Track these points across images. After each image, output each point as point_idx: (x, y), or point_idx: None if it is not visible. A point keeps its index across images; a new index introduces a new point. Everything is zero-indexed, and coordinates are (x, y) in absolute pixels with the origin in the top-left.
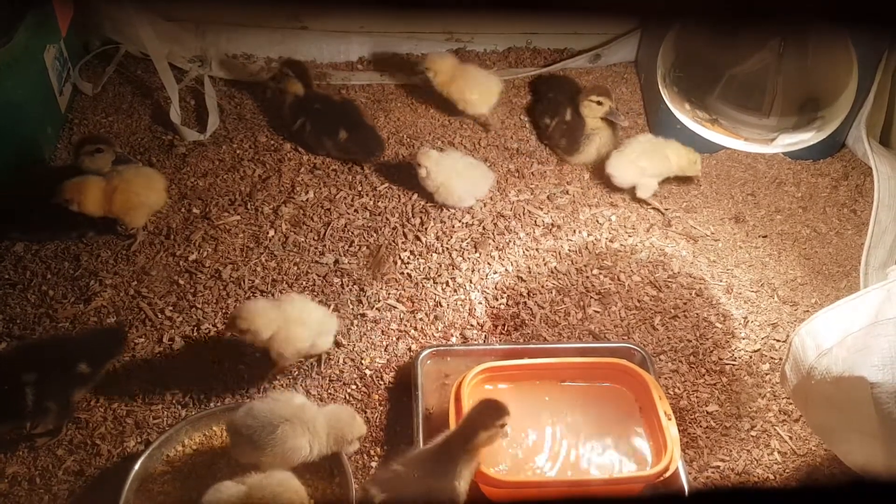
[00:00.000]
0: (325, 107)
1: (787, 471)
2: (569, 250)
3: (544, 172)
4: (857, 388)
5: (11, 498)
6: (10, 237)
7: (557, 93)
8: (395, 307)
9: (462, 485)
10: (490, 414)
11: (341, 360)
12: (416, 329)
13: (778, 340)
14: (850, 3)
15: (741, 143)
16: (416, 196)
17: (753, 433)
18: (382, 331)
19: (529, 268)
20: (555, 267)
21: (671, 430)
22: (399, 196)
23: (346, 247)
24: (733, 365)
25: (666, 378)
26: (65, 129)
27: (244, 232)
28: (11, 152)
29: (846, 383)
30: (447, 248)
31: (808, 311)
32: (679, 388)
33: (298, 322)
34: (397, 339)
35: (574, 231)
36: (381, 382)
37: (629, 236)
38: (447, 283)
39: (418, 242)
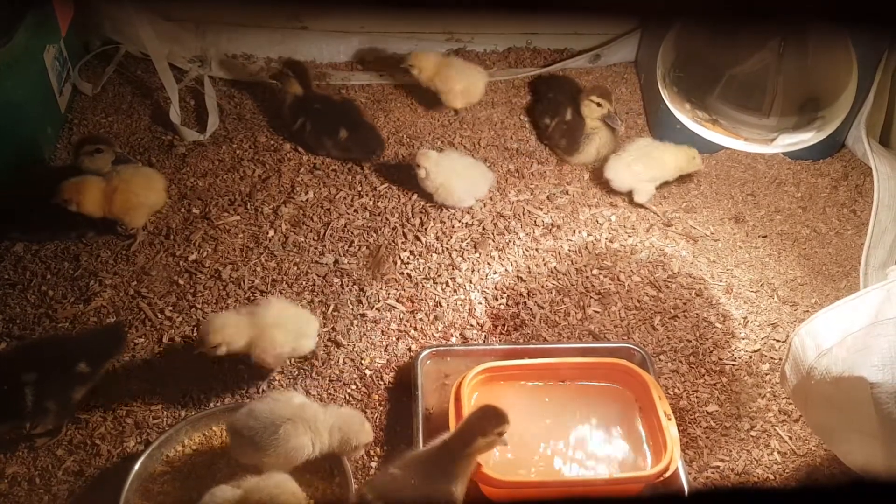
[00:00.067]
0: (325, 107)
1: (786, 471)
2: (569, 250)
3: (544, 172)
4: (857, 388)
5: (11, 498)
6: (10, 237)
7: (557, 93)
8: (394, 307)
9: (459, 489)
10: (489, 421)
11: (341, 361)
12: (415, 329)
13: (778, 340)
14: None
15: (741, 144)
16: (415, 196)
17: (753, 433)
18: (382, 331)
19: (529, 268)
20: (555, 267)
21: (671, 430)
22: (399, 196)
23: (346, 247)
24: (733, 365)
25: (666, 378)
26: (64, 130)
27: (244, 232)
28: (11, 152)
29: (846, 383)
30: (447, 249)
31: (807, 311)
32: (679, 389)
33: (275, 326)
34: (397, 339)
35: (574, 231)
36: (381, 382)
37: (629, 236)
38: (447, 284)
39: (418, 242)
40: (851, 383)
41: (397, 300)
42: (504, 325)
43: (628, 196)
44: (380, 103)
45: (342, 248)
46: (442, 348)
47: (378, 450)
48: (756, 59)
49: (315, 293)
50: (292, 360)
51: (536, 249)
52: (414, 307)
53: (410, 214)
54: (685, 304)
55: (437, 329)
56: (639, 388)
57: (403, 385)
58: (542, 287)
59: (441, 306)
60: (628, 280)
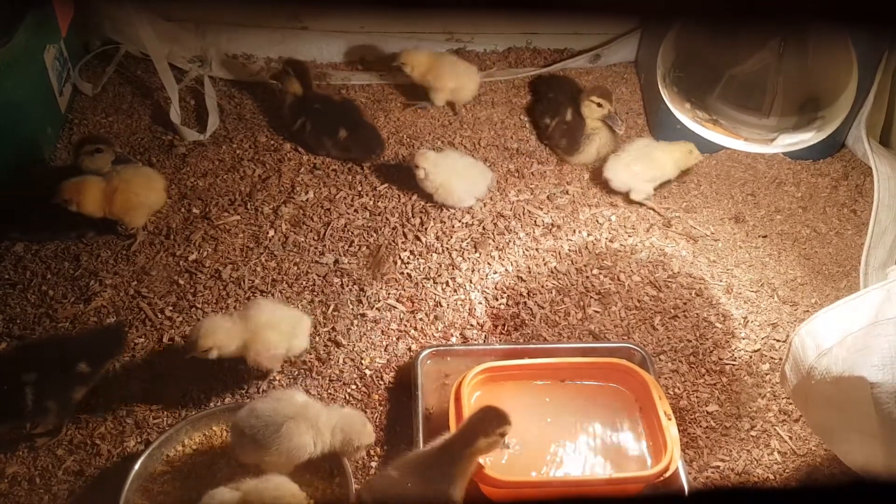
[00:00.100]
0: (326, 107)
1: (787, 471)
2: (569, 250)
3: (544, 172)
4: (857, 388)
5: (11, 498)
6: (10, 237)
7: (557, 93)
8: (395, 307)
9: (458, 491)
10: (491, 421)
11: (341, 360)
12: (416, 329)
13: (778, 340)
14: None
15: (741, 143)
16: (415, 196)
17: (753, 433)
18: (382, 331)
19: (529, 268)
20: (555, 267)
21: (671, 430)
22: (399, 196)
23: (346, 247)
24: (733, 365)
25: (666, 378)
26: (65, 130)
27: (244, 232)
28: (11, 152)
29: (846, 383)
30: (447, 248)
31: (808, 311)
32: (679, 388)
33: (268, 327)
34: (397, 338)
35: (574, 231)
36: (381, 382)
37: (629, 236)
38: (447, 283)
39: (418, 242)
40: (851, 383)
41: (397, 300)
42: (504, 324)
43: (627, 196)
44: (380, 103)
45: (342, 247)
46: (442, 348)
47: (378, 450)
48: (756, 59)
49: (315, 293)
50: (292, 360)
51: (536, 249)
52: (414, 307)
53: (410, 214)
54: (685, 303)
55: (437, 329)
56: (639, 387)
57: (403, 385)
58: (543, 287)
59: (441, 306)
60: (628, 280)
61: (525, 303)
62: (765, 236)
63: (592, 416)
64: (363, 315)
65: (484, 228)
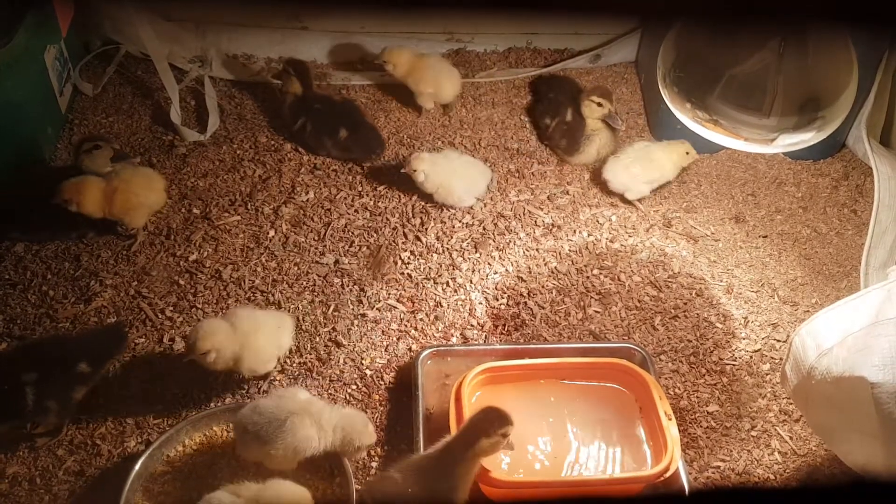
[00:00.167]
0: (326, 107)
1: (787, 471)
2: (569, 250)
3: (544, 173)
4: (858, 388)
5: (12, 498)
6: (11, 237)
7: (558, 93)
8: (395, 307)
9: (461, 493)
10: (493, 422)
11: (341, 360)
12: (416, 329)
13: (778, 340)
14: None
15: (741, 144)
16: (416, 196)
17: (754, 433)
18: (383, 331)
19: (530, 268)
20: (555, 267)
21: (671, 430)
22: (399, 196)
23: (347, 247)
24: (734, 365)
25: (666, 378)
26: (65, 130)
27: (244, 232)
28: (12, 152)
29: (846, 383)
30: (447, 249)
31: (808, 311)
32: (679, 389)
33: (255, 332)
34: (398, 339)
35: (574, 231)
36: (382, 382)
37: (629, 236)
38: (447, 284)
39: (418, 243)
40: (852, 383)
41: (398, 300)
42: (504, 325)
43: (624, 196)
44: (380, 103)
45: (343, 248)
46: (442, 348)
47: (378, 450)
48: (756, 59)
49: (315, 293)
50: (292, 360)
51: (537, 249)
52: (414, 307)
53: (411, 214)
54: (686, 304)
55: (437, 329)
56: (639, 388)
57: (404, 385)
58: (543, 287)
59: (441, 306)
60: (629, 280)
61: (525, 303)
62: (765, 236)
63: (593, 417)
64: (363, 315)
65: (484, 229)
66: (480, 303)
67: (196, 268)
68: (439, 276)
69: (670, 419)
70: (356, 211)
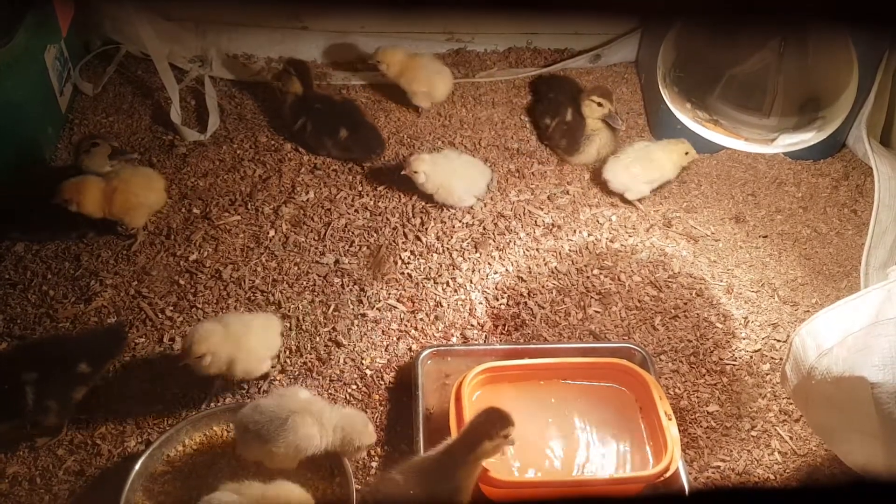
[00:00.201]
0: (326, 107)
1: (787, 471)
2: (569, 250)
3: (545, 172)
4: (858, 388)
5: (12, 498)
6: (11, 237)
7: (558, 93)
8: (395, 307)
9: (465, 495)
10: (494, 423)
11: (342, 360)
12: (416, 329)
13: (778, 340)
14: (850, 2)
15: (741, 144)
16: (416, 196)
17: (754, 433)
18: (383, 331)
19: (530, 268)
20: (555, 267)
21: (671, 430)
22: (399, 196)
23: (347, 247)
24: (734, 365)
25: (666, 378)
26: (65, 130)
27: (244, 232)
28: (12, 152)
29: (847, 383)
30: (447, 249)
31: (808, 311)
32: (679, 388)
33: (247, 335)
34: (398, 339)
35: (574, 231)
36: (382, 382)
37: (630, 236)
38: (448, 284)
39: (419, 242)
40: (852, 383)
41: (398, 300)
42: (505, 324)
43: (624, 196)
44: (380, 103)
45: (343, 247)
46: (442, 348)
47: (378, 450)
48: (756, 58)
49: (316, 293)
50: (292, 360)
51: (537, 249)
52: (414, 307)
53: (411, 214)
54: (686, 304)
55: (437, 329)
56: (639, 388)
57: (404, 385)
58: (543, 287)
59: (442, 306)
60: (629, 280)
61: (525, 303)
62: (765, 236)
63: (593, 417)
64: (364, 315)
65: (484, 228)
66: (480, 303)
67: (196, 268)
68: (439, 275)
69: (670, 419)
70: (356, 211)
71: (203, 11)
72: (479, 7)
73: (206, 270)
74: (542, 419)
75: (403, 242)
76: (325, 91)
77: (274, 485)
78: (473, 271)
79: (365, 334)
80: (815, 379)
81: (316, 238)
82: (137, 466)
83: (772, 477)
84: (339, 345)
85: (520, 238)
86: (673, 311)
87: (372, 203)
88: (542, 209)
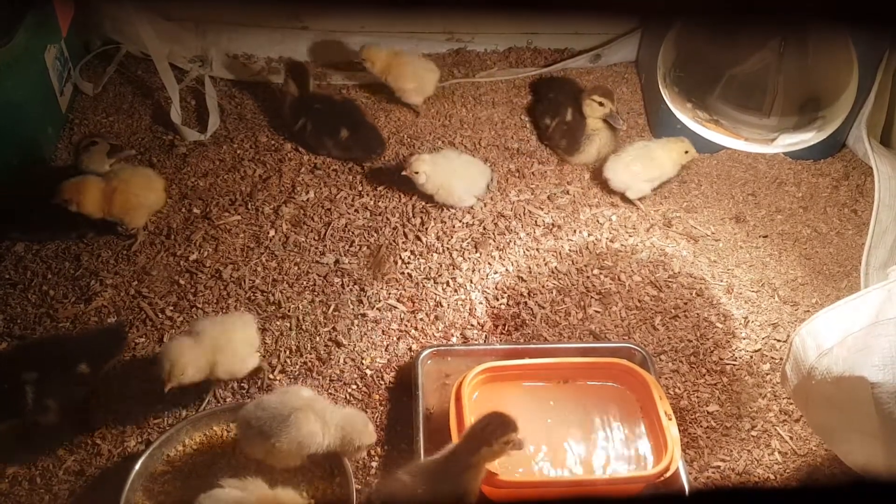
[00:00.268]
0: (326, 106)
1: (787, 471)
2: (569, 250)
3: (545, 172)
4: (858, 388)
5: (12, 498)
6: (11, 237)
7: (558, 93)
8: (395, 307)
9: (470, 498)
10: (494, 430)
11: (342, 360)
12: (416, 329)
13: (778, 340)
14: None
15: (742, 143)
16: (416, 196)
17: (754, 433)
18: (383, 331)
19: (530, 268)
20: (555, 267)
21: (672, 429)
22: (399, 196)
23: (347, 247)
24: (734, 365)
25: (666, 378)
26: (65, 129)
27: (245, 232)
28: (12, 152)
29: (847, 383)
30: (448, 248)
31: (808, 311)
32: (679, 388)
33: (223, 335)
34: (398, 338)
35: (575, 231)
36: (382, 382)
37: (630, 236)
38: (448, 283)
39: (419, 242)
40: (852, 383)
41: (398, 300)
42: (505, 324)
43: (625, 195)
44: (380, 103)
45: (343, 247)
46: (443, 348)
47: (378, 450)
48: (756, 58)
49: (316, 293)
50: (292, 360)
51: (537, 249)
52: (415, 307)
53: (411, 214)
54: (686, 303)
55: (437, 329)
56: (639, 387)
57: (404, 385)
58: (543, 287)
59: (442, 306)
60: (629, 280)
61: (525, 303)
62: (765, 236)
63: (593, 416)
64: (364, 315)
65: (484, 228)
66: (480, 302)
67: (196, 267)
68: (439, 275)
69: (670, 419)
70: (356, 211)
71: (203, 11)
72: (479, 7)
73: (206, 270)
74: (542, 419)
75: (403, 242)
76: (325, 91)
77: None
78: (473, 271)
79: (365, 334)
80: (815, 379)
81: (316, 238)
82: (137, 466)
83: (772, 477)
84: (339, 345)
85: (520, 238)
86: (673, 310)
87: (372, 203)
88: (542, 209)
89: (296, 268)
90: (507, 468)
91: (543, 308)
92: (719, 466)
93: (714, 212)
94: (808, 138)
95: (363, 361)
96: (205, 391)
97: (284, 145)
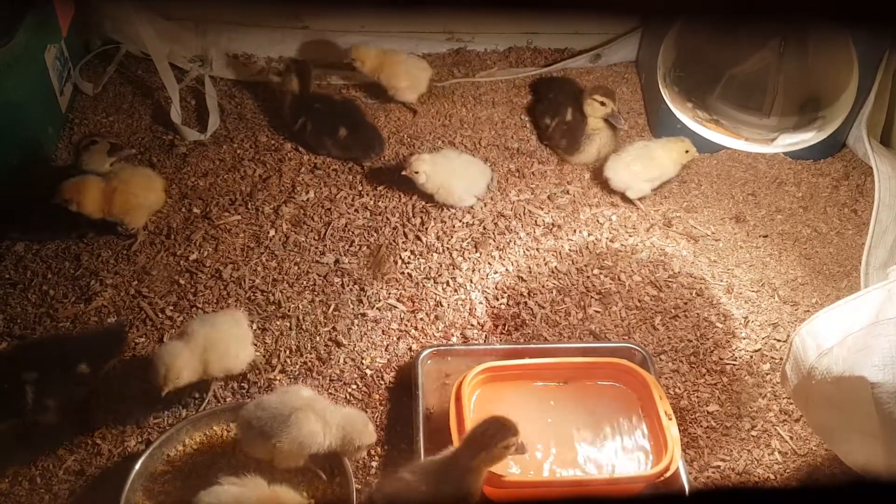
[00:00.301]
0: (326, 106)
1: (787, 471)
2: (569, 250)
3: (545, 172)
4: (858, 388)
5: (12, 497)
6: (11, 237)
7: (558, 93)
8: (395, 307)
9: (472, 498)
10: (493, 435)
11: (342, 360)
12: (416, 329)
13: (778, 340)
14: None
15: (742, 143)
16: (416, 196)
17: (754, 433)
18: (383, 330)
19: (530, 267)
20: (555, 267)
21: (672, 429)
22: (399, 196)
23: (347, 246)
24: (734, 365)
25: (666, 378)
26: (65, 129)
27: (245, 232)
28: (12, 152)
29: (847, 383)
30: (448, 248)
31: (808, 310)
32: (679, 388)
33: (221, 337)
34: (398, 338)
35: (575, 231)
36: (382, 382)
37: (630, 236)
38: (448, 283)
39: (419, 242)
40: (852, 383)
41: (398, 300)
42: (505, 324)
43: (625, 195)
44: (380, 103)
45: (343, 247)
46: (443, 348)
47: (378, 449)
48: (756, 58)
49: (316, 293)
50: (292, 360)
51: (537, 249)
52: (415, 307)
53: (411, 214)
54: (686, 303)
55: (437, 329)
56: (639, 387)
57: (404, 385)
58: (543, 287)
59: (442, 306)
60: (629, 280)
61: (525, 303)
62: (765, 236)
63: (593, 416)
64: (364, 315)
65: (484, 228)
66: (480, 302)
67: (196, 267)
68: (439, 275)
69: (670, 419)
70: (356, 210)
71: (203, 11)
72: (479, 7)
73: (206, 270)
74: (541, 419)
75: (403, 242)
76: (325, 91)
77: (274, 487)
78: (473, 271)
79: (365, 334)
80: (815, 379)
81: (316, 238)
82: (137, 466)
83: (772, 477)
84: (339, 344)
85: (520, 238)
86: (673, 310)
87: (372, 203)
88: (542, 209)
89: (296, 267)
90: (507, 468)
91: (543, 308)
92: (719, 466)
93: (714, 212)
94: (808, 138)
95: (363, 361)
96: (205, 391)
97: (284, 145)
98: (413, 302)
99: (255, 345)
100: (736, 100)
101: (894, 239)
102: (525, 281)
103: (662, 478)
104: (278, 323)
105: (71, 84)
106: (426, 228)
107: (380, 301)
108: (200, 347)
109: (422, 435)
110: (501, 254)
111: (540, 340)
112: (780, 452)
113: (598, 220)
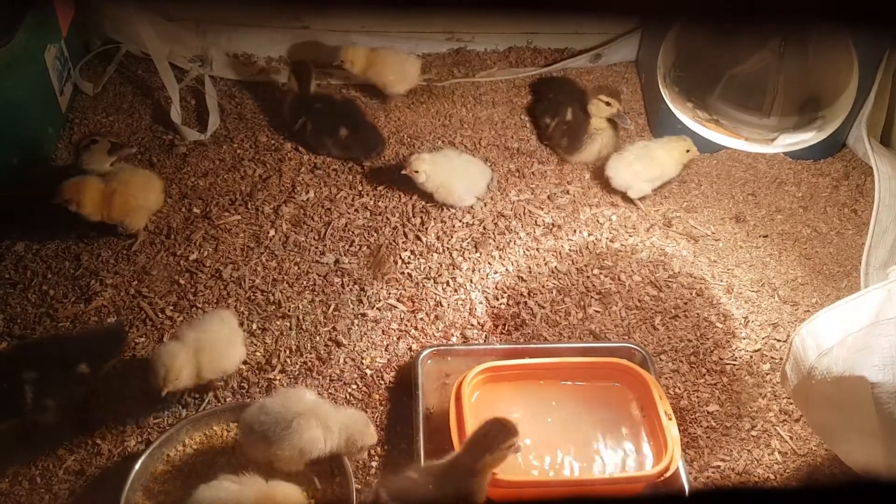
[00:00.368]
0: (326, 106)
1: (787, 471)
2: (569, 250)
3: (545, 172)
4: (858, 388)
5: (12, 497)
6: (11, 237)
7: (558, 93)
8: (395, 307)
9: (478, 499)
10: (495, 437)
11: (342, 360)
12: (416, 329)
13: (778, 340)
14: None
15: (742, 143)
16: (416, 196)
17: (754, 433)
18: (383, 330)
19: (530, 267)
20: (555, 267)
21: (672, 429)
22: (399, 196)
23: (347, 246)
24: (734, 365)
25: (666, 378)
26: (65, 129)
27: (245, 231)
28: (12, 152)
29: (847, 383)
30: (448, 248)
31: (808, 310)
32: (679, 388)
33: (210, 339)
34: (398, 338)
35: (575, 231)
36: (382, 382)
37: (630, 236)
38: (448, 283)
39: (419, 242)
40: (852, 383)
41: (398, 300)
42: (505, 324)
43: (626, 195)
44: (380, 103)
45: (343, 247)
46: (442, 348)
47: (379, 449)
48: (756, 58)
49: (316, 293)
50: (292, 360)
51: (537, 249)
52: (415, 307)
53: (411, 214)
54: (686, 303)
55: (437, 328)
56: (639, 387)
57: (404, 385)
58: (543, 287)
59: (442, 306)
60: (629, 280)
61: (525, 302)
62: (765, 236)
63: (593, 416)
64: (364, 315)
65: (484, 228)
66: (480, 302)
67: (196, 267)
68: (439, 275)
69: (670, 419)
70: (356, 210)
71: (203, 11)
72: (479, 7)
73: (206, 270)
74: (541, 419)
75: (403, 242)
76: (325, 91)
77: (272, 483)
78: (473, 271)
79: (365, 334)
80: (815, 379)
81: (316, 237)
82: (137, 466)
83: (772, 477)
84: (339, 344)
85: (520, 238)
86: (673, 310)
87: (372, 202)
88: (542, 209)
89: (296, 267)
90: (507, 468)
91: (543, 308)
92: (719, 466)
93: (714, 212)
94: (808, 138)
95: (363, 361)
96: (205, 390)
97: (284, 145)
98: (413, 302)
99: (251, 342)
100: (736, 100)
101: (894, 239)
102: (525, 281)
103: (662, 478)
104: (278, 323)
105: (71, 84)
106: (426, 228)
107: (380, 301)
108: (193, 351)
109: (422, 435)
110: (501, 254)
111: (540, 340)
112: (780, 452)
113: (598, 220)
